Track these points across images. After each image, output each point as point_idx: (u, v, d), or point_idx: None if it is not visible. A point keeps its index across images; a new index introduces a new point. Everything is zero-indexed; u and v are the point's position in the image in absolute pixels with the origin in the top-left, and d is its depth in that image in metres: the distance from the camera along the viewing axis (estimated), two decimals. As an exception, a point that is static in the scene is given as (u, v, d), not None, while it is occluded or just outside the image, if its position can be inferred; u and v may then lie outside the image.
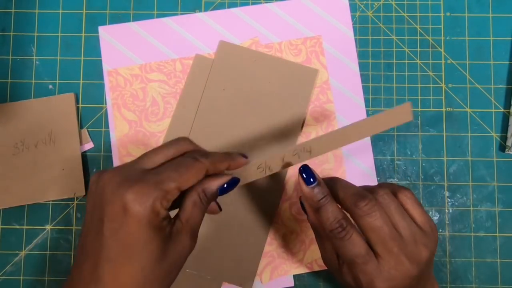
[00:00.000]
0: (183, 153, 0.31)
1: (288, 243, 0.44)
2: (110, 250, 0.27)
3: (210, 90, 0.45)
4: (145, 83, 0.46)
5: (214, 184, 0.31)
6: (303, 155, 0.33)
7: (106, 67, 0.46)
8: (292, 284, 0.44)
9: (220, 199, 0.34)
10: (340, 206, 0.33)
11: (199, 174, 0.30)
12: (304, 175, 0.32)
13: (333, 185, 0.33)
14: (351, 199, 0.31)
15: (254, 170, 0.33)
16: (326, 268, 0.43)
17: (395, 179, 0.45)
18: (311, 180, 0.32)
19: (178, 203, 0.30)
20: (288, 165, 0.33)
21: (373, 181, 0.45)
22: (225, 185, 0.32)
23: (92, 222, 0.28)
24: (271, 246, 0.44)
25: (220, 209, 0.34)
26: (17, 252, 0.44)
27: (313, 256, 0.44)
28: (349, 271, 0.32)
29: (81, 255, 0.28)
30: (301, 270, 0.44)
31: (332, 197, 0.32)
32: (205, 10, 0.47)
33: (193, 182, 0.29)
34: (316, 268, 0.44)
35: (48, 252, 0.44)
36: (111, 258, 0.27)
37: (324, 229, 0.32)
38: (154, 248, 0.27)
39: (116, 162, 0.45)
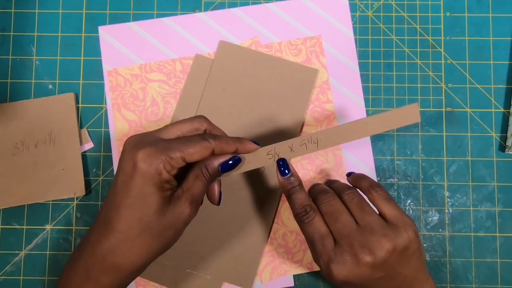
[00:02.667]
0: (197, 129, 0.35)
1: (288, 243, 0.44)
2: (118, 197, 0.32)
3: (210, 90, 0.45)
4: (145, 83, 0.46)
5: (216, 160, 0.34)
6: (310, 146, 0.36)
7: (106, 67, 0.46)
8: (292, 284, 0.44)
9: (223, 200, 0.36)
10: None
11: (205, 151, 0.33)
12: (280, 167, 0.37)
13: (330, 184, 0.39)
14: (316, 193, 0.37)
15: (264, 156, 0.36)
16: None
17: (395, 179, 0.45)
18: (286, 171, 0.37)
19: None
20: (296, 154, 0.36)
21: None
22: (228, 163, 0.35)
23: (116, 173, 0.33)
24: (271, 246, 0.44)
25: (219, 201, 0.37)
26: (17, 252, 0.44)
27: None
28: (314, 256, 0.35)
29: (105, 199, 0.34)
30: (301, 270, 0.44)
31: (303, 188, 0.37)
32: (205, 10, 0.47)
33: (198, 157, 0.33)
34: (316, 268, 0.44)
35: (48, 252, 0.44)
36: (118, 204, 0.32)
37: (294, 216, 0.37)
38: (152, 203, 0.31)
39: (116, 163, 0.45)
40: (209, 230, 0.43)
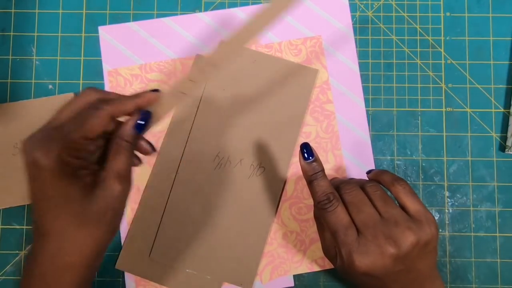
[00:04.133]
0: (89, 102, 0.32)
1: (288, 243, 0.44)
2: (40, 203, 0.30)
3: (210, 90, 0.45)
4: (145, 83, 0.46)
5: (127, 126, 0.33)
6: (208, 71, 0.33)
7: (106, 67, 0.46)
8: (292, 284, 0.44)
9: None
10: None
11: (103, 120, 0.31)
12: (304, 150, 0.36)
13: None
14: (338, 183, 0.37)
15: (169, 99, 0.34)
16: (326, 268, 0.44)
17: (395, 179, 0.45)
18: (309, 156, 0.36)
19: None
20: (197, 85, 0.34)
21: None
22: (140, 123, 0.33)
23: (27, 183, 0.31)
24: (271, 246, 0.44)
25: (154, 149, 0.35)
26: (17, 252, 0.44)
27: (313, 256, 0.44)
28: (335, 245, 0.35)
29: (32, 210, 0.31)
30: (301, 270, 0.44)
31: (325, 175, 0.36)
32: (205, 10, 0.47)
33: (99, 129, 0.31)
34: (316, 268, 0.44)
35: (48, 252, 0.44)
36: (43, 209, 0.30)
37: (315, 203, 0.36)
38: (74, 194, 0.30)
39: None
40: (209, 230, 0.43)
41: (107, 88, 0.46)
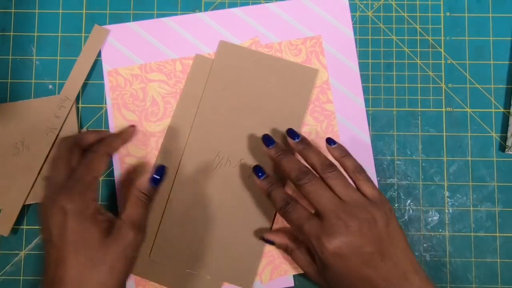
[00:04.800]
0: (72, 150, 0.38)
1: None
2: (59, 254, 0.32)
3: (210, 90, 0.45)
4: (145, 83, 0.46)
5: (145, 179, 0.39)
6: None
7: (106, 67, 0.46)
8: (292, 284, 0.44)
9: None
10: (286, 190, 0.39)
11: (103, 160, 0.37)
12: (256, 171, 0.40)
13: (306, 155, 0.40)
14: (295, 174, 0.38)
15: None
16: None
17: (395, 179, 0.45)
18: (260, 174, 0.40)
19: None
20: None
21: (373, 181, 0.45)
22: (155, 177, 0.39)
23: (44, 241, 0.34)
24: (271, 246, 0.44)
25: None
26: (17, 252, 0.44)
27: None
28: (306, 242, 0.37)
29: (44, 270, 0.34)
30: (301, 270, 0.44)
31: (279, 185, 0.39)
32: (205, 10, 0.47)
33: (105, 167, 0.38)
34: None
35: (48, 252, 0.44)
36: (62, 259, 0.32)
37: (277, 211, 0.39)
38: (93, 238, 0.33)
39: (116, 162, 0.45)
40: (209, 230, 0.43)
41: (107, 88, 0.46)
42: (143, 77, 0.46)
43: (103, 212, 0.35)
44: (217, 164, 0.44)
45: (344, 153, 0.40)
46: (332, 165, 0.38)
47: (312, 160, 0.39)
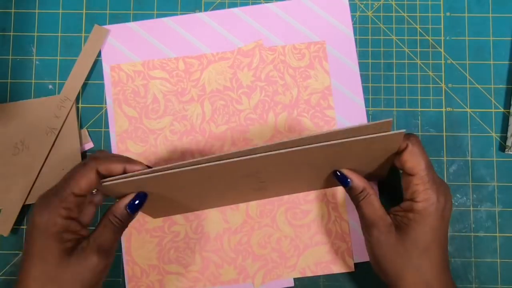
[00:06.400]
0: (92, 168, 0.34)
1: (282, 247, 0.44)
2: (23, 257, 0.32)
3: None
4: (147, 80, 0.46)
5: (121, 203, 0.34)
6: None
7: (106, 67, 0.46)
8: (292, 284, 0.44)
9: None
10: None
11: (87, 176, 0.33)
12: (339, 179, 0.37)
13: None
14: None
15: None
16: (318, 274, 0.44)
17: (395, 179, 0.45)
18: (347, 181, 0.37)
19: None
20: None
21: (373, 181, 0.45)
22: (134, 203, 0.34)
23: None
24: (264, 249, 0.44)
25: (88, 223, 0.37)
26: (17, 252, 0.44)
27: (306, 262, 0.44)
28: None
29: None
30: (294, 275, 0.44)
31: (372, 190, 0.36)
32: (205, 10, 0.47)
33: (86, 184, 0.33)
34: (309, 274, 0.44)
35: (48, 252, 0.44)
36: (23, 265, 0.32)
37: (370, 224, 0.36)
38: (51, 256, 0.31)
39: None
40: None
41: (108, 83, 0.46)
42: (146, 74, 0.46)
43: (74, 230, 0.33)
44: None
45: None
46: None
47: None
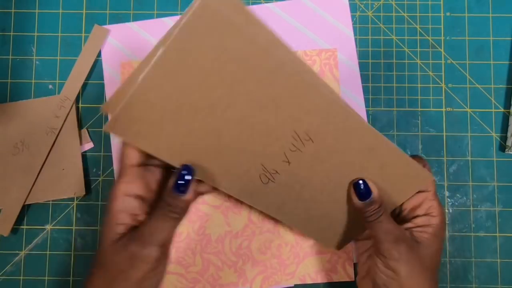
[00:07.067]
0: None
1: (282, 254, 0.44)
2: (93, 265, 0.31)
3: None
4: None
5: (167, 188, 0.30)
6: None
7: (106, 67, 0.46)
8: (292, 284, 0.44)
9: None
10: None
11: (130, 161, 0.30)
12: (358, 188, 0.35)
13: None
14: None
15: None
16: (318, 282, 0.44)
17: (395, 179, 0.45)
18: (366, 194, 0.35)
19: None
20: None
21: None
22: (178, 181, 0.30)
23: None
24: (264, 255, 0.44)
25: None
26: (17, 252, 0.44)
27: (306, 270, 0.44)
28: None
29: None
30: (292, 282, 0.44)
31: (385, 211, 0.35)
32: (205, 10, 0.47)
33: (137, 152, 0.30)
34: (309, 281, 0.44)
35: (48, 252, 0.44)
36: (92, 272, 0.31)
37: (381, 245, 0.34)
38: (105, 236, 0.30)
39: (116, 162, 0.45)
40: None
41: (109, 83, 0.46)
42: None
43: (131, 211, 0.30)
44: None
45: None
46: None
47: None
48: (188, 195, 0.30)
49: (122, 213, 0.30)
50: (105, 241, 0.30)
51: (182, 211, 0.30)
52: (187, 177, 0.30)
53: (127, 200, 0.30)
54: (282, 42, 0.30)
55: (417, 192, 0.37)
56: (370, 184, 0.35)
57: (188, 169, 0.30)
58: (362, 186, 0.35)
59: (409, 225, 0.36)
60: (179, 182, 0.30)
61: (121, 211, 0.30)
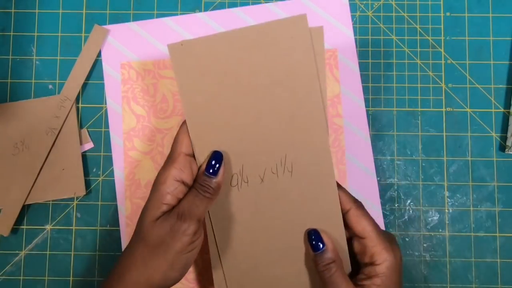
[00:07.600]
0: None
1: None
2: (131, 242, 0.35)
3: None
4: (157, 79, 0.46)
5: (201, 169, 0.35)
6: None
7: (106, 67, 0.46)
8: None
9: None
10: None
11: (176, 156, 0.34)
12: (312, 239, 0.36)
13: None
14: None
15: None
16: None
17: (395, 179, 0.45)
18: (319, 245, 0.35)
19: None
20: None
21: (373, 181, 0.45)
22: (211, 163, 0.34)
23: None
24: None
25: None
26: (17, 252, 0.44)
27: None
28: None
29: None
30: None
31: (340, 264, 0.35)
32: (205, 10, 0.47)
33: (189, 142, 0.35)
34: None
35: (48, 252, 0.44)
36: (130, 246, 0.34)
37: None
38: (158, 234, 0.33)
39: (119, 157, 0.45)
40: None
41: (107, 83, 0.46)
42: (156, 73, 0.46)
43: (177, 196, 0.34)
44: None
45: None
46: None
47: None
48: (219, 178, 0.34)
49: (169, 195, 0.33)
50: (148, 217, 0.33)
51: (214, 192, 0.34)
52: (217, 162, 0.35)
53: (176, 184, 0.33)
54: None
55: (356, 237, 0.36)
56: (322, 235, 0.35)
57: (218, 155, 0.35)
58: (313, 236, 0.35)
59: (360, 277, 0.35)
60: (211, 165, 0.34)
61: (169, 193, 0.33)
